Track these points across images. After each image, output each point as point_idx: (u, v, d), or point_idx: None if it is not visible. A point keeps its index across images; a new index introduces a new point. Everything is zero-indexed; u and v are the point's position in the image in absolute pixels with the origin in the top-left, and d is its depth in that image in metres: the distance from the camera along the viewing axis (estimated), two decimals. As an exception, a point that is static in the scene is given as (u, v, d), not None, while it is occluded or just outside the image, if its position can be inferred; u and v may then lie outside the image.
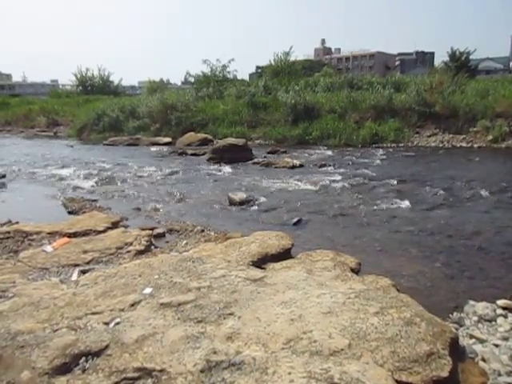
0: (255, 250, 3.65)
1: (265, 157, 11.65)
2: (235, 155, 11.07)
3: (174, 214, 6.22)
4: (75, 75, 34.00)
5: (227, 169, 10.13)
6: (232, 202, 6.62)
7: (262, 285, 3.01)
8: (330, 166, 10.13)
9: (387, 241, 4.83)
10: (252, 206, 6.50)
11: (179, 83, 51.25)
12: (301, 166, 10.24)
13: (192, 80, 27.62)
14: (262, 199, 6.84)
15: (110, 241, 4.30)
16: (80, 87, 33.94)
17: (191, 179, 8.97)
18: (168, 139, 16.72)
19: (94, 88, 33.28)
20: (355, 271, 3.35)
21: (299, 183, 8.14)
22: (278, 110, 17.44)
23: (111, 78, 34.86)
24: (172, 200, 7.03)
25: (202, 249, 3.91)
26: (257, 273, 3.24)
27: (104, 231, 4.68)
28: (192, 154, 12.87)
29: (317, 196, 7.15)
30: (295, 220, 5.66)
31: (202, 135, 16.22)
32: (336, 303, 2.67)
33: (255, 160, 11.08)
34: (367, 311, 2.55)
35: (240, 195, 6.75)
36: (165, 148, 14.90)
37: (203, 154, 12.46)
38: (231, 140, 11.98)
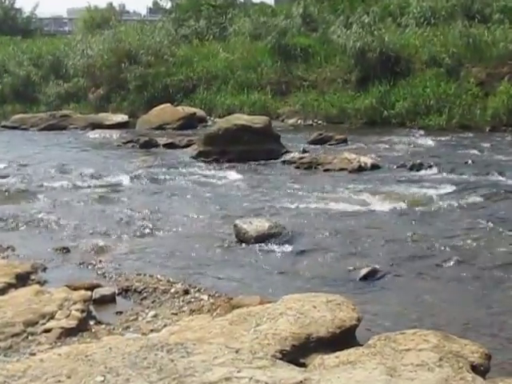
0: (287, 329, 3.66)
1: (305, 151, 11.75)
2: (249, 147, 11.19)
3: (133, 258, 6.29)
4: None
5: (233, 174, 10.25)
6: (242, 237, 6.67)
7: (300, 398, 3.01)
8: (429, 167, 10.16)
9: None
10: (280, 243, 6.53)
11: (144, 12, 52.26)
12: (375, 167, 10.29)
13: (167, 6, 28.37)
14: (299, 231, 6.88)
15: (12, 310, 4.36)
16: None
17: (166, 194, 9.07)
18: (122, 117, 17.13)
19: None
20: (480, 370, 3.32)
21: (371, 201, 8.16)
22: (330, 61, 17.68)
23: (17, 5, 36.01)
24: (130, 232, 7.14)
25: (187, 327, 3.94)
26: (292, 374, 3.24)
27: (1, 292, 4.78)
28: (167, 146, 13.07)
29: (404, 226, 7.15)
30: (364, 272, 5.66)
31: (185, 109, 16.53)
32: None
33: (287, 157, 11.18)
34: None
35: (257, 224, 6.80)
36: (116, 133, 15.20)
37: (188, 146, 12.64)
38: (241, 119, 12.15)
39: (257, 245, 6.50)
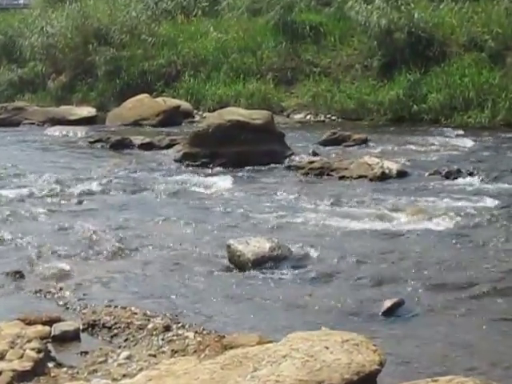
0: (292, 375, 3.64)
1: (315, 153, 11.80)
2: (245, 149, 11.27)
3: (102, 286, 6.29)
4: None
5: (226, 182, 10.29)
6: (237, 261, 6.66)
7: None
8: (469, 175, 10.21)
9: None
10: (283, 269, 6.54)
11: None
12: (401, 174, 10.34)
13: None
14: (307, 254, 6.90)
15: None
16: None
17: (143, 206, 9.09)
18: (89, 110, 17.23)
19: None
20: None
21: (396, 216, 8.18)
22: (346, 42, 17.78)
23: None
24: (98, 253, 7.14)
25: (168, 371, 3.93)
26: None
27: None
28: (144, 147, 13.12)
29: (437, 248, 7.16)
30: (387, 305, 5.65)
31: (167, 101, 16.61)
32: None
33: (292, 161, 11.24)
34: None
35: (256, 244, 6.78)
36: (81, 131, 15.26)
37: (170, 147, 12.69)
38: (237, 113, 12.19)
39: (255, 270, 6.49)
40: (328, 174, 10.52)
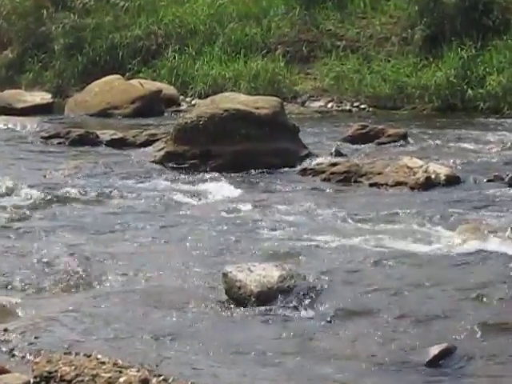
0: None
1: (338, 153, 11.89)
2: (248, 147, 11.36)
3: (59, 327, 6.27)
4: None
5: (222, 190, 10.36)
6: (236, 294, 6.64)
7: None
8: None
9: None
10: (298, 305, 6.51)
11: None
12: (452, 181, 10.39)
13: None
14: (329, 285, 6.89)
15: None
16: None
17: (113, 222, 9.12)
18: (42, 96, 17.37)
19: None
20: None
21: (445, 236, 8.21)
22: (380, 8, 17.92)
23: None
24: (55, 284, 7.14)
25: None
26: None
27: None
28: (115, 143, 13.23)
29: (498, 277, 7.17)
30: (434, 352, 5.63)
31: (145, 85, 16.69)
32: None
33: (309, 163, 11.34)
34: None
35: (261, 273, 6.77)
36: (32, 123, 15.29)
37: (148, 144, 12.83)
38: (236, 101, 12.26)
39: (260, 307, 6.46)
40: (356, 181, 10.58)
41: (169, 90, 16.80)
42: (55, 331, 6.23)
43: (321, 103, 16.45)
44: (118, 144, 13.00)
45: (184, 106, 16.26)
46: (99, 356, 5.68)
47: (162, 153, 11.77)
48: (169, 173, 11.22)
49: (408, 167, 10.50)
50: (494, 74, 15.25)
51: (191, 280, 7.20)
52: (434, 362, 5.56)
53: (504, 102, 14.94)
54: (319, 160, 11.31)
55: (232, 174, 10.89)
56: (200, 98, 15.73)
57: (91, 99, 16.15)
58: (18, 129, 14.90)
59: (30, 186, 10.48)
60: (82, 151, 12.88)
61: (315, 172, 10.94)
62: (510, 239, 7.99)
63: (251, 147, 11.24)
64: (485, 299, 6.67)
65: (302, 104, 16.40)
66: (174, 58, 17.99)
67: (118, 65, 17.65)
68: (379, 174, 10.50)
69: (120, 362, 5.59)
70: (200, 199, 9.95)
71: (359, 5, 17.73)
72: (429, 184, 10.13)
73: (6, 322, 6.33)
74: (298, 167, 11.19)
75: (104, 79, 16.50)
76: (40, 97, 17.09)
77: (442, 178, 10.28)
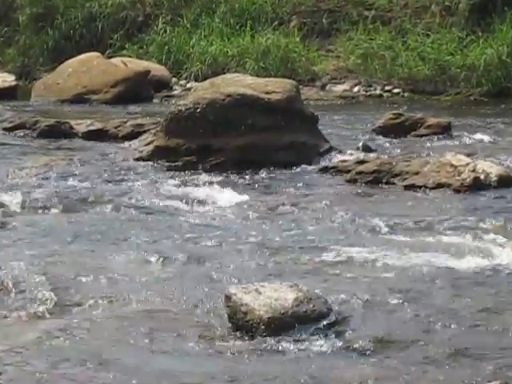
0: None
1: (366, 148, 11.97)
2: (255, 140, 11.42)
3: (32, 361, 6.23)
4: None
5: (225, 194, 10.41)
6: (241, 321, 6.64)
7: None
8: None
9: None
10: (317, 333, 6.50)
11: None
12: (505, 181, 10.46)
13: None
14: (358, 310, 6.91)
15: None
16: None
17: (90, 231, 9.18)
18: (4, 78, 17.54)
19: None
20: None
21: (497, 247, 8.28)
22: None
23: None
24: (23, 307, 7.14)
25: None
26: None
27: None
28: (92, 136, 13.32)
29: None
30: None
31: (129, 64, 16.81)
32: None
33: (331, 160, 11.42)
34: None
35: (272, 294, 6.77)
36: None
37: (133, 137, 12.91)
38: (241, 84, 12.33)
39: (271, 338, 6.45)
40: (388, 182, 10.62)
41: (159, 70, 16.88)
42: (28, 368, 6.23)
43: (345, 87, 16.51)
44: (97, 137, 13.05)
45: (177, 91, 16.34)
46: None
47: (150, 148, 11.81)
48: (159, 172, 11.25)
49: (452, 165, 10.51)
50: None
51: (186, 303, 7.21)
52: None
53: None
54: (343, 156, 11.34)
55: (236, 174, 10.93)
56: (197, 80, 15.79)
57: (64, 82, 16.21)
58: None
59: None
60: (52, 145, 12.94)
61: (338, 171, 10.97)
62: None
63: (260, 140, 11.28)
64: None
65: (322, 88, 16.47)
66: (165, 31, 18.05)
67: (96, 40, 17.73)
68: (416, 173, 10.51)
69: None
70: (197, 204, 9.97)
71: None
72: (477, 186, 10.15)
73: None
74: (318, 165, 11.22)
75: (79, 57, 16.57)
76: (1, 79, 17.16)
77: (493, 178, 10.29)
